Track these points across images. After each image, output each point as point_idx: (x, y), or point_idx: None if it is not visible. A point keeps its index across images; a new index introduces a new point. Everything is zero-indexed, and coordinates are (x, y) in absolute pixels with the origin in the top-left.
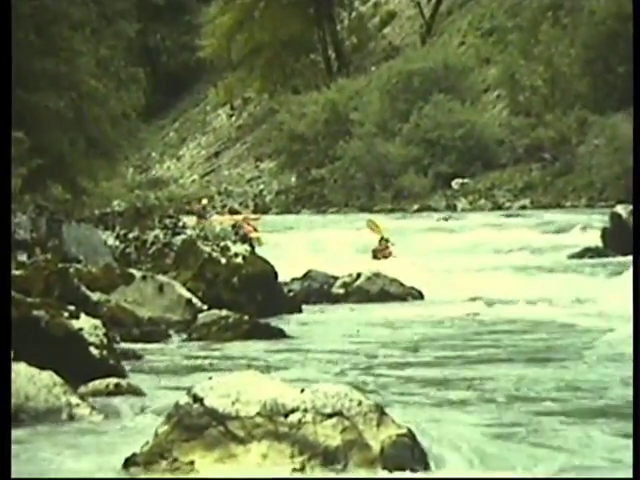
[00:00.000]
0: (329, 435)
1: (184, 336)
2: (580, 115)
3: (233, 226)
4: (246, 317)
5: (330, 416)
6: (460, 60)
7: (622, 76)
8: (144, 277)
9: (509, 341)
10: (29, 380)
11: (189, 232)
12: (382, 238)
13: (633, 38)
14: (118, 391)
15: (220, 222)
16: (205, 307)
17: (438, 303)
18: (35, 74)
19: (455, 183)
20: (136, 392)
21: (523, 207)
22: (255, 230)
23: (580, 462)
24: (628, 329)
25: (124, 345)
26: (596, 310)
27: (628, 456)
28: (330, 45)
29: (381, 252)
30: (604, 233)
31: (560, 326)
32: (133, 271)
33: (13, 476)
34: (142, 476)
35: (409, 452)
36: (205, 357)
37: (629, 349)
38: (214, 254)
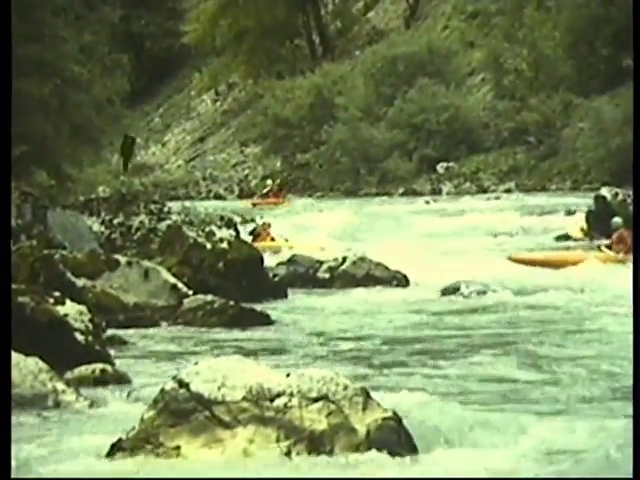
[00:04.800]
0: (315, 419)
1: (170, 321)
2: (564, 98)
3: None
4: (232, 302)
5: (316, 400)
6: (444, 44)
7: (606, 59)
8: (129, 263)
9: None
10: (15, 366)
11: (174, 217)
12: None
13: (633, 37)
14: (104, 377)
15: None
16: (190, 292)
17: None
18: (18, 60)
19: (440, 167)
20: (122, 378)
21: (508, 190)
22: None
23: None
24: None
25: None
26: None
27: None
28: (314, 30)
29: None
30: (589, 215)
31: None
32: (118, 257)
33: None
34: (128, 461)
35: (395, 435)
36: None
37: None
38: (199, 239)
